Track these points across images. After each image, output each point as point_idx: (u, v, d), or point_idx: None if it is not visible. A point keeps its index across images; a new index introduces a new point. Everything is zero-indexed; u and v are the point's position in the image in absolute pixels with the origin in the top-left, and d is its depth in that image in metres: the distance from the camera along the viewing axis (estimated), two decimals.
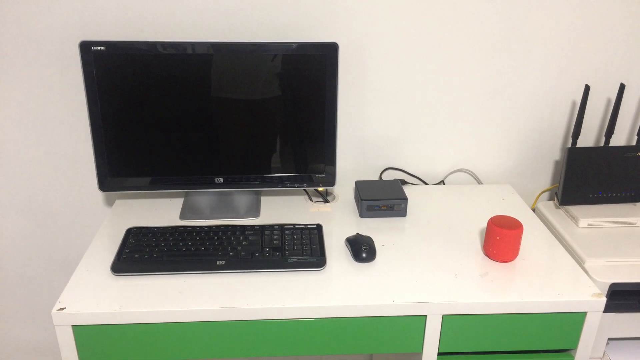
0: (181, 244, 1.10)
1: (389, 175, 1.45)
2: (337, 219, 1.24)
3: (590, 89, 1.38)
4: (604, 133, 1.41)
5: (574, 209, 1.28)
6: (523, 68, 1.34)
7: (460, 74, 1.34)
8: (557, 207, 1.33)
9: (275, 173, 1.24)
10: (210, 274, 1.04)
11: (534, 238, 1.18)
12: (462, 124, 1.40)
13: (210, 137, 1.19)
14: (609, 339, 1.17)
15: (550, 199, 1.50)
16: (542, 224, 1.24)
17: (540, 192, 1.49)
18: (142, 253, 1.07)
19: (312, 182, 1.25)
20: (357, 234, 1.15)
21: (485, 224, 1.23)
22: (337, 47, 1.13)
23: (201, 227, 1.16)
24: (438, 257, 1.10)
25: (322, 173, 1.24)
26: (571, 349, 1.05)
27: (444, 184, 1.46)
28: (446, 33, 1.30)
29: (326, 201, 1.33)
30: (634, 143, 1.43)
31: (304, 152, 1.22)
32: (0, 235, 1.45)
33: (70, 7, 1.21)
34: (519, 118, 1.40)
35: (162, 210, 1.28)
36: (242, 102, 1.17)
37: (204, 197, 1.30)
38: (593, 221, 1.24)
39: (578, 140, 1.39)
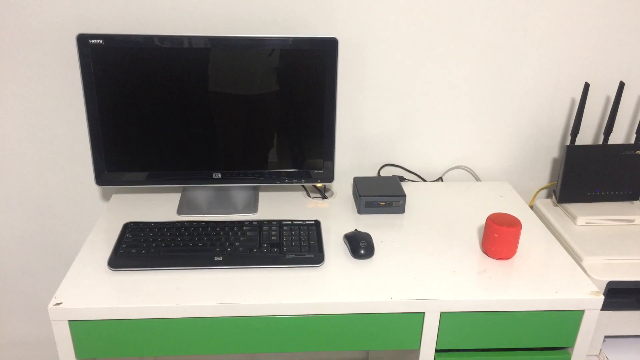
0: (178, 239, 1.10)
1: (387, 172, 1.44)
2: (335, 215, 1.24)
3: (590, 86, 1.37)
4: (602, 131, 1.41)
5: (572, 207, 1.28)
6: (522, 65, 1.34)
7: (459, 71, 1.33)
8: (555, 205, 1.33)
9: (273, 169, 1.23)
10: (207, 270, 1.04)
11: (532, 236, 1.18)
12: (461, 121, 1.39)
13: (208, 132, 1.18)
14: (606, 336, 1.17)
15: (549, 196, 1.50)
16: (540, 222, 1.24)
17: (538, 189, 1.49)
18: (139, 248, 1.07)
19: (310, 178, 1.24)
20: (355, 230, 1.14)
21: (483, 221, 1.23)
22: (336, 43, 1.12)
23: (199, 222, 1.15)
24: (436, 254, 1.10)
25: (320, 169, 1.24)
26: (568, 347, 1.05)
27: (442, 180, 1.45)
28: (446, 30, 1.29)
29: (324, 197, 1.33)
30: (632, 141, 1.43)
31: (302, 147, 1.22)
32: None
33: (68, 0, 1.20)
34: (517, 115, 1.40)
35: (160, 205, 1.27)
36: (240, 97, 1.16)
37: (202, 192, 1.30)
38: (591, 219, 1.24)
39: (577, 138, 1.38)
